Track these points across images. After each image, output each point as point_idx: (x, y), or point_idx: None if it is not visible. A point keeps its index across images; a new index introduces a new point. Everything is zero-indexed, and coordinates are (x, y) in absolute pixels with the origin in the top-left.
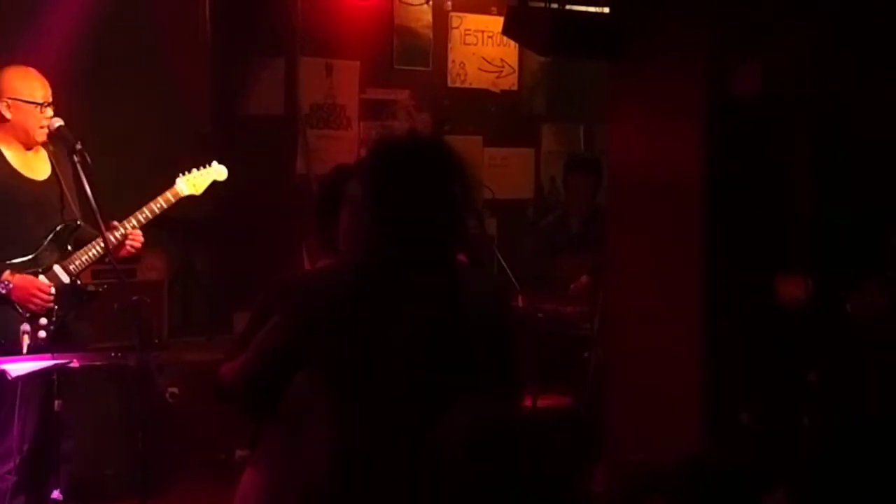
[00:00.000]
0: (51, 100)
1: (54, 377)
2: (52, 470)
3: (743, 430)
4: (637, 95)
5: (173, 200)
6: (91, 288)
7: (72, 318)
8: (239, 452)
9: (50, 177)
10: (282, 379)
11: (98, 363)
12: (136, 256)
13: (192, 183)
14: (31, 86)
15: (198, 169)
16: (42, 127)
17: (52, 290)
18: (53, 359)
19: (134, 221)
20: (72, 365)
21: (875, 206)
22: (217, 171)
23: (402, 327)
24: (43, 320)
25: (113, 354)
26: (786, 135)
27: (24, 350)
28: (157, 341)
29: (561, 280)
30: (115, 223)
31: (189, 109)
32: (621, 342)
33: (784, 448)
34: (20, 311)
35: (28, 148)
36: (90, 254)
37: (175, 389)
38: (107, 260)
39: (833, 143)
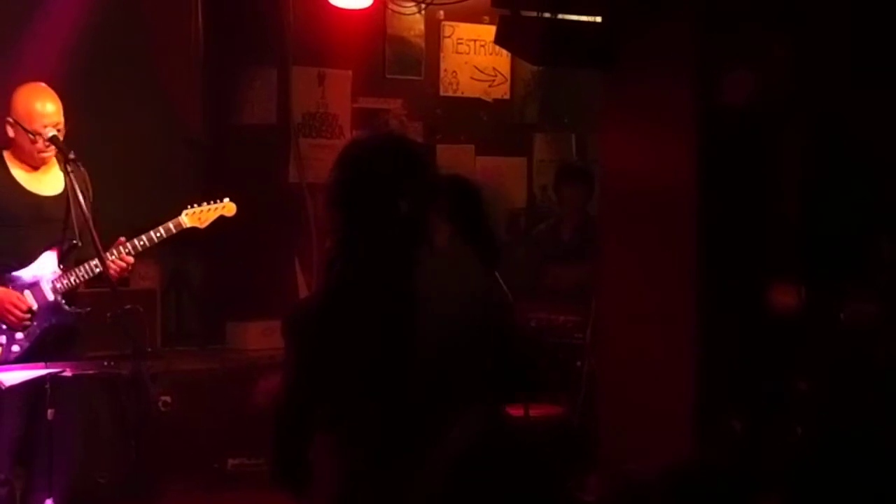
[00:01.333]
0: (57, 126)
1: (47, 386)
2: (44, 479)
3: (735, 438)
4: (629, 104)
5: (174, 231)
6: (74, 309)
7: (53, 336)
8: (231, 461)
9: (60, 194)
10: (303, 413)
11: (91, 372)
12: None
13: (198, 217)
14: (32, 112)
15: (207, 203)
16: (42, 152)
17: (33, 308)
18: (46, 367)
19: (129, 247)
20: (65, 374)
21: (865, 215)
22: (226, 207)
23: (369, 335)
24: (19, 335)
25: (106, 363)
26: (776, 143)
27: None
28: (149, 350)
29: (553, 289)
30: (122, 239)
31: (181, 118)
32: (613, 351)
33: (776, 456)
34: None
35: (35, 167)
36: (79, 274)
37: (168, 398)
38: (97, 270)
39: (823, 151)
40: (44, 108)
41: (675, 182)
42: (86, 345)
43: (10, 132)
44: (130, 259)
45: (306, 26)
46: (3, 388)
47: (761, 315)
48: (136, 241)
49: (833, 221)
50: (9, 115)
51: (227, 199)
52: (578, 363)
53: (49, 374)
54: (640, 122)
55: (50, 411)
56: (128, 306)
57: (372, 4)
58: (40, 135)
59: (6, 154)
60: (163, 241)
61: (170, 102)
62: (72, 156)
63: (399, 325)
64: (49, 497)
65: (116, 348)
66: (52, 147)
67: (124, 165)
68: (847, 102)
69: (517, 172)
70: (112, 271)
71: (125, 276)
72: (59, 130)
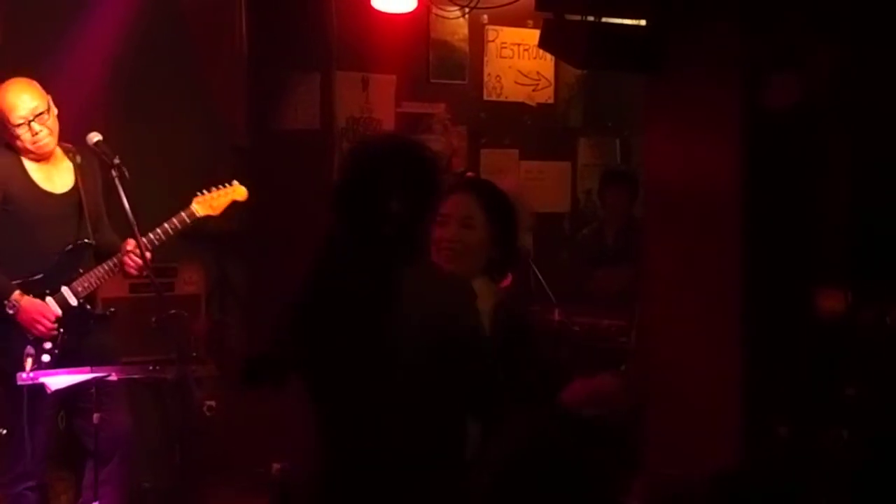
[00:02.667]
0: (37, 111)
1: (93, 391)
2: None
3: (781, 444)
4: (673, 108)
5: (188, 221)
6: (99, 311)
7: (83, 337)
8: (276, 466)
9: (71, 190)
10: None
11: (136, 376)
12: (173, 270)
13: (209, 204)
14: (9, 106)
15: (217, 188)
16: (34, 142)
17: (58, 314)
18: (92, 372)
19: (145, 241)
20: (110, 378)
21: None
22: (236, 191)
23: (346, 328)
24: (48, 344)
25: (151, 368)
26: (822, 146)
27: (26, 372)
28: (194, 355)
29: (597, 293)
30: (131, 241)
31: (225, 124)
32: (658, 355)
33: (822, 463)
34: (27, 334)
35: (46, 159)
36: (98, 274)
37: (213, 403)
38: (145, 274)
39: (870, 154)
40: (16, 99)
41: (721, 186)
42: (131, 349)
43: (4, 132)
44: (139, 261)
45: (350, 31)
46: (50, 391)
47: (808, 319)
48: (151, 236)
49: (880, 225)
50: None
51: (235, 182)
52: (622, 367)
53: (95, 378)
54: (685, 125)
55: (96, 416)
56: (172, 311)
57: (416, 9)
58: (20, 126)
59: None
60: (207, 247)
61: (214, 108)
62: (116, 161)
63: (368, 326)
64: (96, 501)
65: (161, 353)
66: (41, 136)
67: (169, 171)
68: (893, 103)
69: (561, 177)
70: (130, 269)
71: (144, 272)
72: (38, 118)
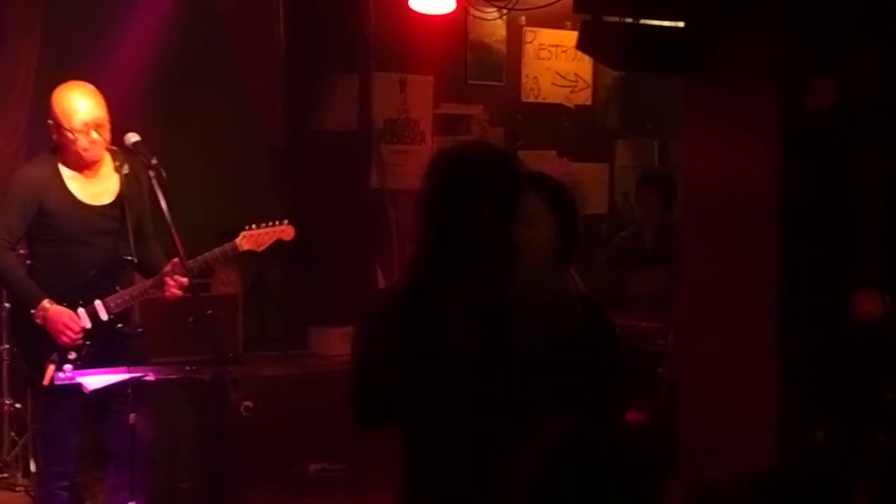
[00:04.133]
0: (97, 120)
1: (129, 391)
2: (127, 483)
3: (818, 447)
4: (711, 110)
5: (230, 255)
6: (128, 329)
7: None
8: (313, 467)
9: (113, 202)
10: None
11: (173, 377)
12: (210, 270)
13: (255, 240)
14: (68, 110)
15: (266, 225)
16: (87, 150)
17: (86, 326)
18: (129, 372)
19: (186, 268)
20: (147, 378)
21: None
22: (284, 231)
23: (451, 334)
24: (72, 354)
25: (187, 368)
26: (860, 149)
27: (45, 381)
28: (231, 355)
29: (634, 295)
30: (174, 260)
31: (263, 125)
32: (695, 358)
33: (860, 466)
34: (53, 342)
35: (89, 169)
36: (134, 293)
37: (249, 403)
38: (152, 292)
39: None
40: (78, 104)
41: (758, 188)
42: (167, 350)
43: (54, 135)
44: (185, 280)
45: (388, 32)
46: (87, 391)
47: (845, 322)
48: (190, 264)
49: None
50: (49, 117)
51: (286, 222)
52: (660, 370)
53: (131, 378)
54: (723, 127)
55: (132, 416)
56: (209, 311)
57: (454, 10)
58: (81, 132)
59: (59, 160)
60: None
61: (252, 110)
62: (154, 161)
63: (482, 330)
64: (132, 501)
65: (198, 353)
66: (97, 145)
67: (207, 172)
68: None
69: (599, 179)
70: (170, 295)
71: (182, 297)
72: (99, 127)
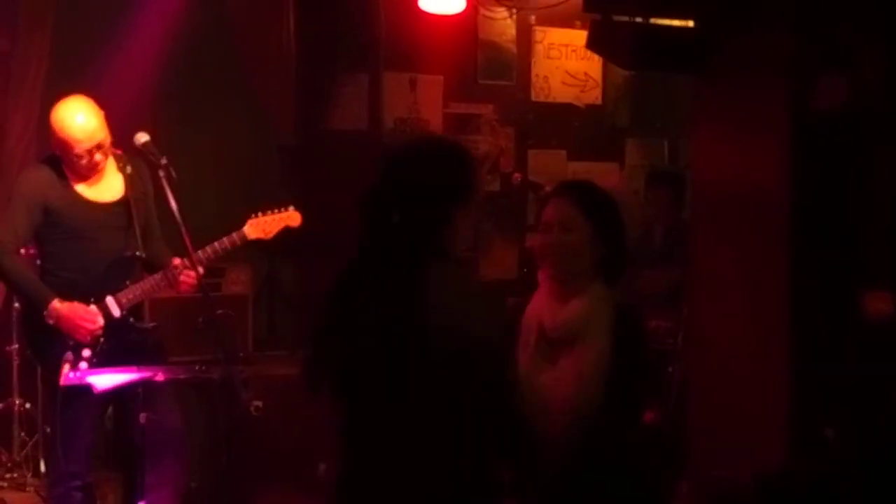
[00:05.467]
0: (97, 144)
1: (139, 391)
2: (139, 483)
3: (828, 447)
4: (721, 109)
5: (239, 244)
6: (141, 324)
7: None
8: (322, 466)
9: (120, 199)
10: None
11: (182, 377)
12: (220, 270)
13: (262, 228)
14: (71, 139)
15: (272, 212)
16: (89, 168)
17: (101, 320)
18: (138, 372)
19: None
20: (156, 378)
21: None
22: (291, 217)
23: (369, 327)
24: (86, 352)
25: (197, 368)
26: (870, 148)
27: (62, 381)
28: (241, 355)
29: (644, 294)
30: (177, 260)
31: (274, 124)
32: (706, 357)
33: (868, 465)
34: (66, 341)
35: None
36: (144, 288)
37: (259, 403)
38: (162, 285)
39: None
40: (78, 133)
41: (768, 187)
42: (178, 349)
43: (57, 150)
44: (193, 274)
45: (398, 32)
46: (96, 391)
47: (855, 322)
48: (199, 254)
49: None
50: (50, 135)
51: (291, 208)
52: (670, 369)
53: (141, 378)
54: (733, 126)
55: (143, 415)
56: (219, 311)
57: (463, 9)
58: (82, 156)
59: (62, 162)
60: (254, 247)
61: (263, 109)
62: (164, 161)
63: (388, 331)
64: (142, 500)
65: (208, 353)
66: (98, 161)
67: (218, 171)
68: None
69: (609, 178)
70: (186, 287)
71: (191, 289)
72: (99, 148)
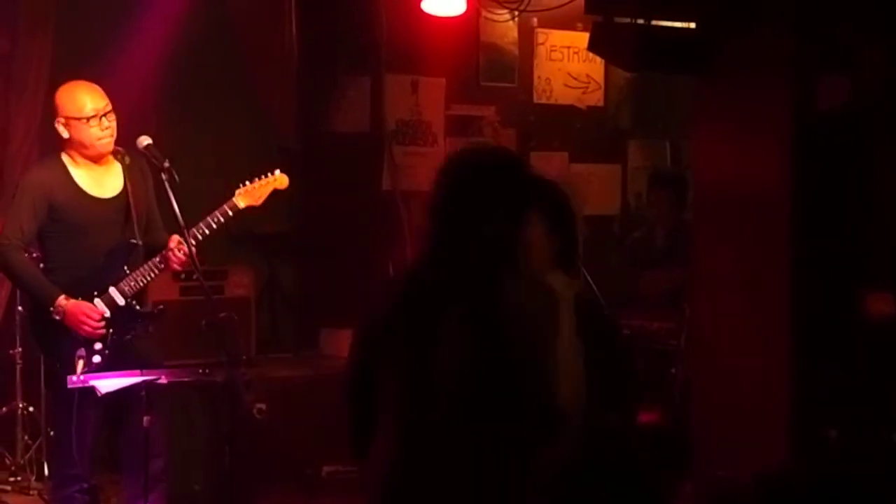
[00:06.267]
0: (106, 108)
1: (143, 393)
2: (139, 485)
3: (830, 447)
4: (723, 110)
5: (230, 214)
6: (146, 310)
7: (131, 338)
8: (326, 468)
9: (119, 194)
10: (365, 395)
11: (186, 379)
12: (223, 273)
13: (251, 195)
14: (79, 101)
15: (258, 178)
16: (101, 138)
17: (105, 315)
18: (142, 375)
19: (190, 238)
20: (160, 381)
21: None
22: (278, 180)
23: (447, 335)
24: (98, 345)
25: (200, 371)
26: (872, 149)
27: (74, 378)
28: (244, 357)
29: (647, 295)
30: (175, 237)
31: (276, 127)
32: (708, 358)
33: (871, 465)
34: (77, 336)
35: (98, 162)
36: (146, 275)
37: (262, 405)
38: (195, 276)
39: None
40: (88, 92)
41: (770, 188)
42: (181, 352)
43: (64, 132)
44: (186, 250)
45: (400, 34)
46: (100, 394)
47: (856, 322)
48: (195, 231)
49: None
50: (58, 117)
51: (277, 171)
52: (672, 370)
53: (145, 381)
54: (735, 127)
55: (146, 418)
56: (222, 314)
57: (465, 11)
58: (94, 119)
59: (65, 157)
60: (256, 250)
61: (264, 112)
62: (166, 164)
63: (475, 336)
64: (143, 501)
65: (211, 356)
66: (109, 133)
67: (218, 172)
68: None
69: (611, 179)
70: (174, 264)
71: (187, 267)
72: (108, 115)
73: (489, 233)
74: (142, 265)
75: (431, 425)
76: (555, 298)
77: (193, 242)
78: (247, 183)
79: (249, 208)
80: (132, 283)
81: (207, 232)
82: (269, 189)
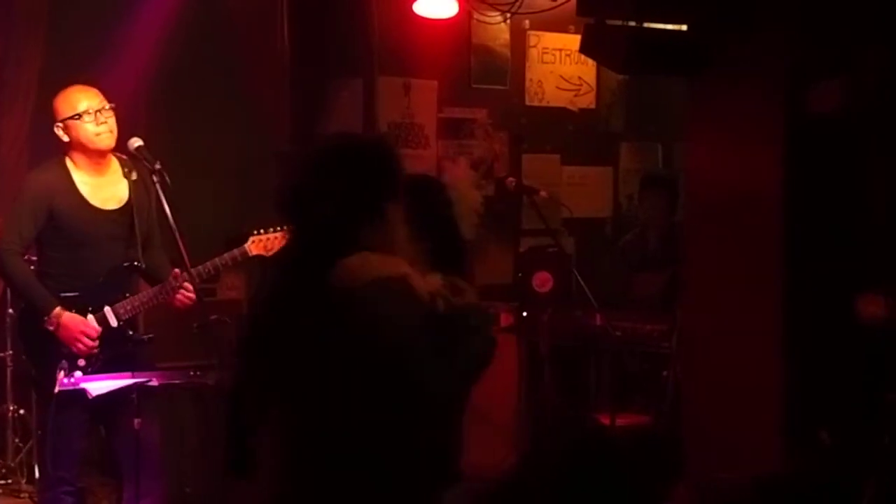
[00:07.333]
0: (101, 106)
1: (134, 396)
2: (132, 489)
3: (823, 449)
4: (716, 113)
5: (240, 259)
6: (137, 336)
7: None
8: None
9: (123, 207)
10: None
11: (177, 382)
12: (215, 276)
13: (264, 245)
14: (72, 100)
15: (274, 230)
16: (98, 133)
17: (99, 333)
18: (133, 377)
19: (194, 275)
20: (151, 384)
21: None
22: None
23: (294, 337)
24: (81, 362)
25: (192, 373)
26: (865, 153)
27: (56, 388)
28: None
29: (639, 297)
30: (177, 271)
31: (268, 129)
32: (700, 360)
33: (865, 467)
34: (62, 348)
35: (100, 167)
36: (142, 300)
37: None
38: (161, 298)
39: None
40: (82, 91)
41: (763, 191)
42: (172, 354)
43: (64, 136)
44: (191, 288)
45: (392, 36)
46: (91, 397)
47: (850, 325)
48: (200, 269)
49: None
50: (56, 122)
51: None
52: (665, 372)
53: (136, 383)
54: (727, 131)
55: (136, 421)
56: (214, 316)
57: (457, 14)
58: (89, 115)
59: (68, 161)
60: None
61: (257, 114)
62: (157, 166)
63: (320, 353)
64: None
65: (203, 358)
66: (107, 129)
67: (212, 176)
68: None
69: (603, 182)
70: (178, 303)
71: (189, 305)
72: (105, 112)
73: (330, 213)
74: (140, 289)
75: (316, 440)
76: (404, 289)
77: (197, 280)
78: (261, 231)
79: (258, 256)
80: (128, 307)
81: (213, 273)
82: (283, 243)
